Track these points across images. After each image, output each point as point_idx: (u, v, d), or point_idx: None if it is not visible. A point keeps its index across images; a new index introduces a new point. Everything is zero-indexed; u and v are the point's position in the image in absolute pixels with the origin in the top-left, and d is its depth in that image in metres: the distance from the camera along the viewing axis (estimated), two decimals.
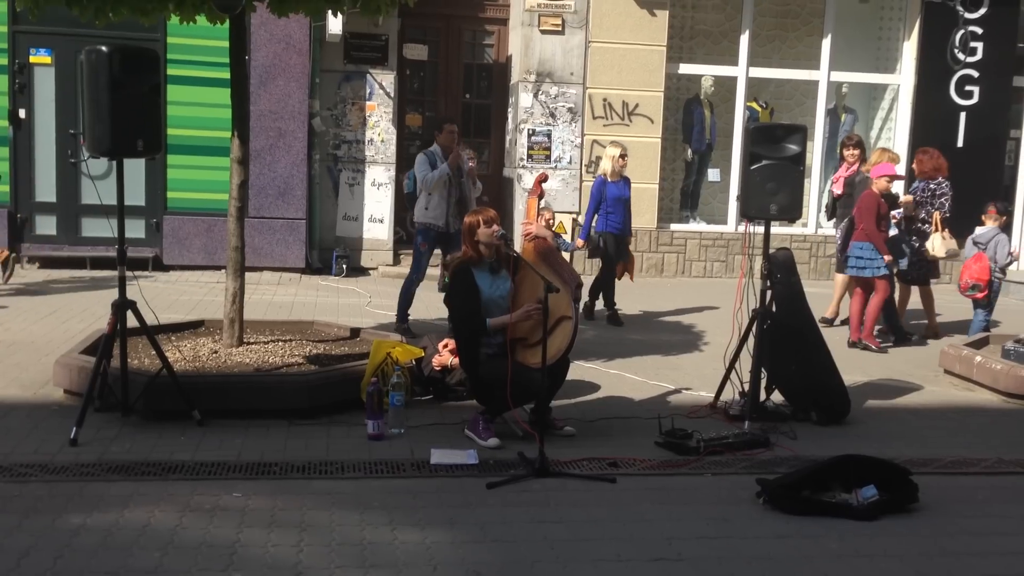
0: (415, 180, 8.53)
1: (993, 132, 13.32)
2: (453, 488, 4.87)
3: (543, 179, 6.17)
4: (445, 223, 8.44)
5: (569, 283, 5.52)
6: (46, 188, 11.86)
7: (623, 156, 9.56)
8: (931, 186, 9.47)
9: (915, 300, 9.72)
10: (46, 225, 11.92)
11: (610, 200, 9.49)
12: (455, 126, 8.73)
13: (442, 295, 6.24)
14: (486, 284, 5.64)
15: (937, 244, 9.26)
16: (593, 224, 9.70)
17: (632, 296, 10.47)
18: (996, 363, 7.20)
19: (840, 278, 9.76)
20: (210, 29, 7.14)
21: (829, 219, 10.37)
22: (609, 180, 9.53)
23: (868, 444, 5.69)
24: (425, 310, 9.05)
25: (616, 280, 9.76)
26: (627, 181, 9.72)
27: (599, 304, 9.83)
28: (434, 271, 9.14)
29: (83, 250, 11.64)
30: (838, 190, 9.73)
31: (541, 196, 6.17)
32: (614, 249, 9.60)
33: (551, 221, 8.97)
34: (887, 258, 8.61)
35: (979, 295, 8.84)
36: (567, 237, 11.14)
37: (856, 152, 9.67)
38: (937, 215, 9.33)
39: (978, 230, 9.23)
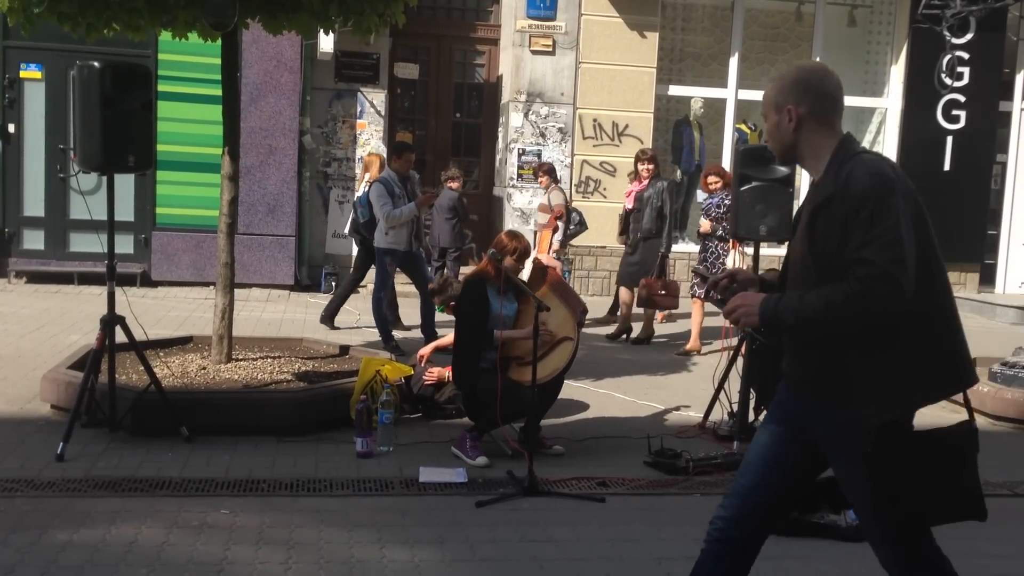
0: (369, 206, 8.59)
1: (979, 156, 13.42)
2: (442, 506, 4.86)
3: (559, 215, 6.36)
4: (408, 246, 8.57)
5: (575, 309, 5.63)
6: (34, 203, 11.83)
7: None
8: (726, 202, 9.11)
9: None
10: (34, 240, 11.88)
11: None
12: (413, 156, 8.93)
13: None
14: (495, 301, 5.74)
15: (738, 260, 9.31)
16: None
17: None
18: (983, 385, 7.23)
19: (624, 292, 9.74)
20: (202, 46, 7.16)
21: (620, 234, 10.10)
22: None
23: None
24: (416, 328, 9.05)
25: None
26: None
27: None
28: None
29: (71, 265, 11.59)
30: (629, 205, 9.66)
31: (555, 231, 6.31)
32: None
33: (561, 218, 8.96)
34: None
35: None
36: None
37: (651, 167, 9.56)
38: None
39: None
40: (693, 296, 9.36)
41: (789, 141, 2.93)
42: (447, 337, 6.82)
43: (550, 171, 10.51)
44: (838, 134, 2.90)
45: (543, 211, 10.61)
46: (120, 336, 5.73)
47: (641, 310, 9.64)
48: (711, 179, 9.43)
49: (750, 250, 6.82)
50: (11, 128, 11.65)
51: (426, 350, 6.73)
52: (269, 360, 7.03)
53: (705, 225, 9.34)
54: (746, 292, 2.97)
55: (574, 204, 11.48)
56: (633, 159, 9.92)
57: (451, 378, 6.26)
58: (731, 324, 2.93)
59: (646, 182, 9.52)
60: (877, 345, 2.71)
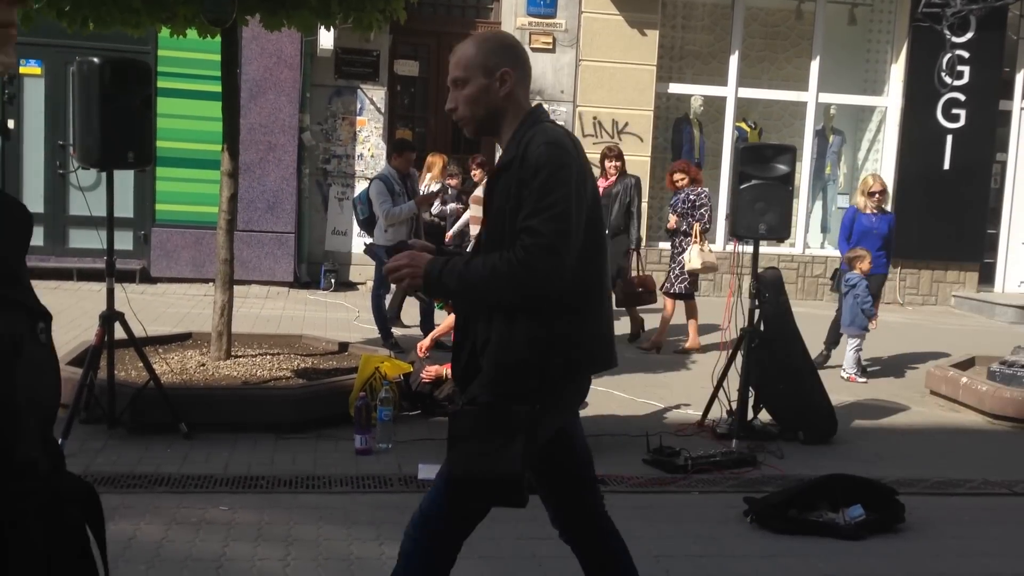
0: (368, 204, 8.59)
1: (979, 155, 13.41)
2: None
3: None
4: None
5: None
6: (34, 199, 11.79)
7: (874, 193, 8.70)
8: (691, 197, 9.16)
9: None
10: (33, 236, 11.82)
11: (857, 234, 8.69)
12: (414, 154, 8.96)
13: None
14: None
15: (694, 256, 8.98)
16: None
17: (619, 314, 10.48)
18: (981, 384, 7.24)
19: None
20: (201, 42, 7.15)
21: None
22: (862, 211, 8.73)
23: (855, 464, 5.71)
24: (415, 327, 9.05)
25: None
26: (884, 215, 8.86)
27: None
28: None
29: (70, 261, 11.57)
30: None
31: None
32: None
33: None
34: None
35: None
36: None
37: (618, 164, 9.56)
38: (697, 226, 9.06)
39: None
40: (671, 295, 9.36)
41: (497, 108, 2.78)
42: (446, 322, 6.84)
43: (483, 164, 10.51)
44: (530, 103, 2.84)
45: (476, 203, 10.55)
46: (119, 332, 5.73)
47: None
48: (677, 176, 9.45)
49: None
50: (11, 124, 11.64)
51: (425, 343, 6.73)
52: (268, 357, 7.02)
53: (672, 221, 9.38)
54: (415, 252, 2.84)
55: None
56: (599, 156, 9.87)
57: (450, 375, 6.26)
58: (393, 284, 2.82)
59: (613, 179, 9.54)
60: (521, 316, 2.63)
